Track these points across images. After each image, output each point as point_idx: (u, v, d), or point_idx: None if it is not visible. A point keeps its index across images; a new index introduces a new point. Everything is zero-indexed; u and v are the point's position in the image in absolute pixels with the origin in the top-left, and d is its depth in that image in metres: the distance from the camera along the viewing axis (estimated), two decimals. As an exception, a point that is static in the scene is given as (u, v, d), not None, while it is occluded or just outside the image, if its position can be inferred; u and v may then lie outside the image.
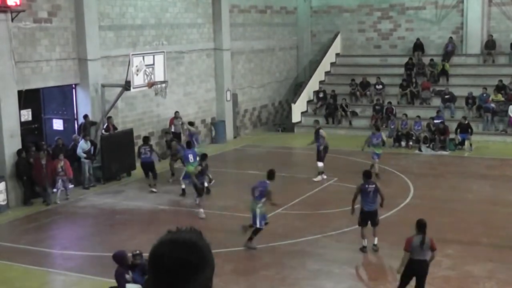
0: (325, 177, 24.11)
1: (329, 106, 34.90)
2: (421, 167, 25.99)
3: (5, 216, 20.53)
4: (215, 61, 32.09)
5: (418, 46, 36.66)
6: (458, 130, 29.58)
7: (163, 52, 25.43)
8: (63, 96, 25.23)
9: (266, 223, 16.95)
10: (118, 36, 26.34)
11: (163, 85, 25.11)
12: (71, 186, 22.65)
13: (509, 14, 35.30)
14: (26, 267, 16.09)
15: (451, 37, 36.14)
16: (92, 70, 24.48)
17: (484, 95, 32.08)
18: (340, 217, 19.46)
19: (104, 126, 24.71)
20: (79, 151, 23.34)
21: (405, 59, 36.22)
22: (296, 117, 35.33)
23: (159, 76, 24.64)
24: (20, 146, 21.70)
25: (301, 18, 39.49)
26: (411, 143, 29.87)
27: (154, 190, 22.78)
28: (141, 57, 24.11)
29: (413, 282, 12.84)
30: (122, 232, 18.75)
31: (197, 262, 2.46)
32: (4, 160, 21.27)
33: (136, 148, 25.38)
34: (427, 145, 29.39)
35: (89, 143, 23.59)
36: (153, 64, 24.37)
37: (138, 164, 25.93)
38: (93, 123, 24.45)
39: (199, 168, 20.58)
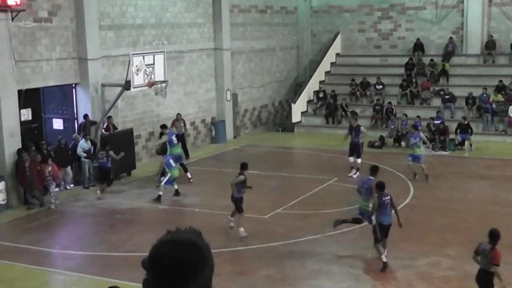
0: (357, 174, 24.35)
1: (329, 106, 34.91)
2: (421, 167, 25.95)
3: (5, 215, 20.53)
4: (215, 61, 32.10)
5: (418, 46, 36.67)
6: (458, 130, 29.59)
7: (163, 51, 25.44)
8: (63, 96, 25.23)
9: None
10: (118, 36, 26.35)
11: (163, 84, 25.12)
12: (56, 189, 21.41)
13: (509, 15, 35.30)
14: (26, 267, 16.10)
15: (451, 37, 36.15)
16: (92, 69, 24.49)
17: (484, 95, 32.09)
18: (340, 217, 19.47)
19: (104, 126, 24.73)
20: (79, 150, 23.37)
21: (405, 59, 36.23)
22: (296, 117, 35.33)
23: (159, 75, 24.65)
24: (20, 146, 21.69)
25: (302, 18, 39.50)
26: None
27: (99, 196, 21.98)
28: (141, 57, 24.12)
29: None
30: (122, 232, 18.77)
31: (197, 262, 2.47)
32: (4, 159, 21.28)
33: (136, 148, 25.46)
34: (427, 145, 29.38)
35: (89, 142, 23.61)
36: (153, 63, 24.39)
37: (138, 164, 26.00)
38: (93, 123, 24.47)
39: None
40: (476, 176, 24.63)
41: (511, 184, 23.07)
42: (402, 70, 35.93)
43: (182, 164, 23.91)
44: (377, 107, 33.62)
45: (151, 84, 24.42)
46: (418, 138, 24.00)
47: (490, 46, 35.14)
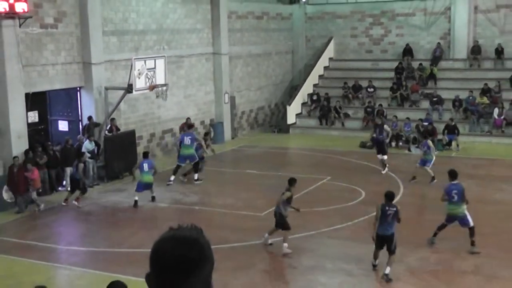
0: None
1: (322, 108, 34.91)
2: (410, 166, 25.93)
3: (12, 213, 20.48)
4: (214, 65, 32.08)
5: (408, 51, 36.69)
6: (446, 131, 29.63)
7: (164, 56, 25.42)
8: (68, 99, 25.21)
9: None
10: (121, 41, 26.33)
11: (164, 88, 25.10)
12: (35, 196, 20.56)
13: (494, 21, 35.36)
14: (32, 262, 16.08)
15: (439, 43, 36.20)
16: (96, 73, 24.47)
17: (470, 98, 32.12)
18: (333, 214, 19.51)
19: (108, 127, 24.70)
20: (83, 151, 23.30)
21: (395, 63, 36.26)
22: (291, 118, 35.31)
23: (160, 79, 24.63)
24: (27, 147, 21.68)
25: (296, 24, 39.51)
26: (401, 143, 29.94)
27: (64, 203, 21.00)
28: (143, 61, 24.10)
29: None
30: (124, 229, 18.76)
31: (198, 258, 2.45)
32: (11, 160, 21.19)
33: (138, 149, 25.42)
34: (416, 145, 29.39)
35: (93, 143, 23.59)
36: (155, 67, 24.37)
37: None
38: (97, 124, 24.44)
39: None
40: (463, 175, 24.49)
41: (497, 183, 23.09)
42: (392, 74, 35.94)
43: (195, 164, 23.73)
44: (368, 109, 33.64)
45: (152, 87, 24.40)
46: (426, 146, 23.78)
47: (476, 51, 35.18)
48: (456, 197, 15.99)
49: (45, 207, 20.86)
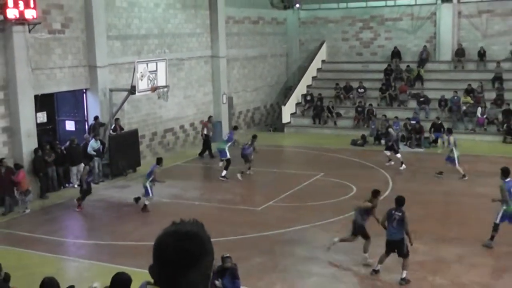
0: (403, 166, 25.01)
1: (316, 108, 34.96)
2: (399, 163, 26.03)
3: (23, 208, 20.51)
4: (212, 67, 32.09)
5: (396, 54, 36.74)
6: (432, 129, 29.72)
7: (165, 59, 25.43)
8: (75, 100, 25.21)
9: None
10: (124, 45, 26.34)
11: (165, 89, 25.11)
12: (27, 198, 20.12)
13: (477, 25, 35.43)
14: (43, 255, 16.13)
15: (425, 46, 36.25)
16: (101, 76, 24.48)
17: (455, 97, 32.20)
18: (326, 208, 19.57)
19: (112, 127, 24.72)
20: (89, 149, 23.35)
21: (384, 65, 36.31)
22: (286, 118, 35.34)
23: (161, 81, 24.63)
24: (36, 145, 21.69)
25: (290, 28, 39.52)
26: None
27: (77, 210, 20.34)
28: (145, 64, 24.11)
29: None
30: (128, 223, 18.79)
31: (198, 252, 2.46)
32: (22, 158, 21.26)
33: (141, 147, 25.45)
34: (405, 143, 29.49)
35: (98, 142, 23.61)
36: (156, 70, 24.37)
37: (142, 161, 25.97)
38: (102, 124, 24.45)
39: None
40: (449, 170, 24.70)
41: (480, 178, 23.14)
42: (381, 75, 35.99)
43: (227, 161, 24.07)
44: (359, 109, 33.70)
45: (154, 89, 24.41)
46: (447, 142, 23.94)
47: (460, 53, 35.26)
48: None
49: (55, 201, 20.93)
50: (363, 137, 30.59)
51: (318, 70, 38.59)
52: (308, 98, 35.98)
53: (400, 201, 13.87)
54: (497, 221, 15.56)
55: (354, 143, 30.37)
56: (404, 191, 21.39)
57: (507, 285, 13.47)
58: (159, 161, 20.67)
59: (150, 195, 19.82)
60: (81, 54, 24.05)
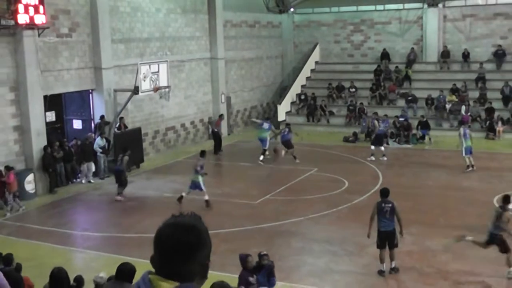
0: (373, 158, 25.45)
1: (309, 107, 34.96)
2: (388, 158, 26.11)
3: (34, 202, 20.55)
4: (211, 69, 32.07)
5: (385, 55, 36.75)
6: (419, 126, 29.77)
7: (167, 61, 25.43)
8: (81, 100, 25.20)
9: None
10: (128, 48, 26.32)
11: (167, 89, 25.13)
12: (14, 200, 19.42)
13: (461, 29, 35.48)
14: (52, 246, 16.15)
15: (412, 48, 36.28)
16: (106, 77, 24.48)
17: (441, 96, 32.24)
18: (320, 202, 19.60)
19: (117, 125, 24.72)
20: (95, 147, 23.35)
21: (374, 66, 36.32)
22: (281, 116, 35.33)
23: (163, 82, 24.65)
24: (45, 143, 21.71)
25: (285, 31, 39.50)
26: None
27: (118, 198, 20.44)
28: (148, 66, 24.11)
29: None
30: (133, 216, 18.80)
31: (195, 242, 2.48)
32: (32, 155, 21.29)
33: (144, 144, 25.44)
34: (394, 139, 29.53)
35: (104, 140, 23.60)
36: (158, 71, 24.37)
37: (145, 158, 26.01)
38: (107, 123, 24.45)
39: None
40: (435, 165, 24.78)
41: (464, 172, 23.17)
42: (371, 76, 36.01)
43: (264, 151, 25.54)
44: (350, 107, 33.71)
45: (156, 89, 24.42)
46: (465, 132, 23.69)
47: (445, 55, 35.31)
48: None
49: (63, 196, 20.93)
50: (355, 134, 30.64)
51: (312, 70, 38.59)
52: (302, 97, 35.99)
53: (385, 193, 13.71)
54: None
55: (346, 139, 30.42)
56: (394, 184, 21.45)
57: (489, 272, 13.53)
58: (203, 153, 19.74)
59: (204, 189, 18.89)
60: (87, 56, 24.04)
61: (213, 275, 9.52)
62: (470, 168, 23.18)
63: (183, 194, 19.35)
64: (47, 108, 22.24)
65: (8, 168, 19.54)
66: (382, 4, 37.21)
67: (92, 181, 22.99)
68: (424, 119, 29.72)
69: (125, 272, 7.53)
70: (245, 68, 35.75)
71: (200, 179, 19.02)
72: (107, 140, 23.85)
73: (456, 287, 12.89)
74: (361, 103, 33.67)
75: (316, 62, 38.97)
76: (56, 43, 22.61)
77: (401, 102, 33.69)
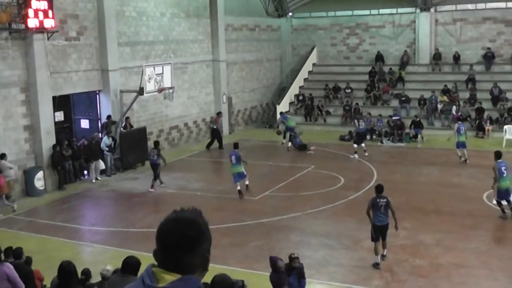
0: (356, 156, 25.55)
1: (307, 107, 34.94)
2: (382, 156, 26.10)
3: (43, 199, 20.53)
4: (213, 70, 32.05)
5: (379, 57, 36.74)
6: (412, 125, 29.74)
7: (171, 63, 25.39)
8: (89, 100, 25.16)
9: None
10: (133, 51, 26.29)
11: (171, 90, 25.10)
12: (6, 202, 18.78)
13: (452, 32, 35.47)
14: (62, 240, 16.12)
15: (405, 50, 36.27)
16: (112, 78, 24.44)
17: (433, 97, 32.22)
18: (317, 198, 19.56)
19: (123, 125, 24.69)
20: (102, 145, 23.32)
21: (369, 68, 36.31)
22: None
23: (167, 83, 24.62)
24: (54, 142, 21.68)
25: (284, 34, 39.47)
26: (374, 136, 30.00)
27: (151, 190, 20.78)
28: (153, 68, 24.09)
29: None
30: (138, 212, 18.78)
31: (196, 236, 2.46)
32: (42, 153, 21.26)
33: (148, 143, 25.40)
34: (388, 138, 29.50)
35: (110, 138, 23.57)
36: (162, 73, 24.36)
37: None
38: (114, 122, 24.43)
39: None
40: (427, 163, 24.75)
41: (455, 169, 23.20)
42: (366, 77, 35.98)
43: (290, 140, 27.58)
44: (346, 107, 33.69)
45: (160, 90, 24.40)
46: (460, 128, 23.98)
47: (437, 57, 35.28)
48: (505, 172, 16.40)
49: (72, 192, 20.90)
50: (350, 133, 30.59)
51: (309, 72, 38.57)
52: (300, 97, 35.96)
53: (380, 188, 13.74)
54: (496, 198, 16.88)
55: (342, 138, 30.40)
56: (388, 181, 21.45)
57: (479, 265, 13.51)
58: (236, 145, 20.43)
59: (246, 175, 19.74)
60: (94, 59, 24.01)
61: (215, 268, 9.49)
62: (463, 159, 23.79)
63: (238, 188, 19.46)
64: (56, 108, 22.21)
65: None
66: (376, 8, 37.20)
67: (99, 178, 22.94)
68: (417, 119, 29.69)
69: (130, 265, 7.49)
70: (246, 70, 35.72)
71: (243, 168, 19.55)
72: (114, 139, 23.83)
73: (448, 279, 12.86)
74: (357, 104, 33.63)
75: (314, 64, 38.94)
76: (64, 46, 22.57)
77: (395, 103, 33.66)
